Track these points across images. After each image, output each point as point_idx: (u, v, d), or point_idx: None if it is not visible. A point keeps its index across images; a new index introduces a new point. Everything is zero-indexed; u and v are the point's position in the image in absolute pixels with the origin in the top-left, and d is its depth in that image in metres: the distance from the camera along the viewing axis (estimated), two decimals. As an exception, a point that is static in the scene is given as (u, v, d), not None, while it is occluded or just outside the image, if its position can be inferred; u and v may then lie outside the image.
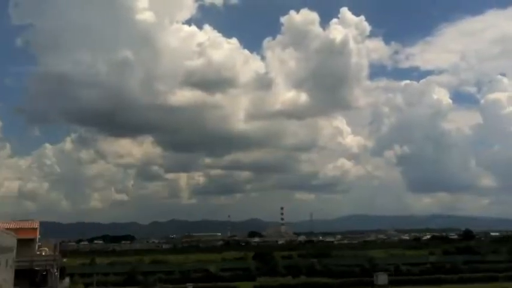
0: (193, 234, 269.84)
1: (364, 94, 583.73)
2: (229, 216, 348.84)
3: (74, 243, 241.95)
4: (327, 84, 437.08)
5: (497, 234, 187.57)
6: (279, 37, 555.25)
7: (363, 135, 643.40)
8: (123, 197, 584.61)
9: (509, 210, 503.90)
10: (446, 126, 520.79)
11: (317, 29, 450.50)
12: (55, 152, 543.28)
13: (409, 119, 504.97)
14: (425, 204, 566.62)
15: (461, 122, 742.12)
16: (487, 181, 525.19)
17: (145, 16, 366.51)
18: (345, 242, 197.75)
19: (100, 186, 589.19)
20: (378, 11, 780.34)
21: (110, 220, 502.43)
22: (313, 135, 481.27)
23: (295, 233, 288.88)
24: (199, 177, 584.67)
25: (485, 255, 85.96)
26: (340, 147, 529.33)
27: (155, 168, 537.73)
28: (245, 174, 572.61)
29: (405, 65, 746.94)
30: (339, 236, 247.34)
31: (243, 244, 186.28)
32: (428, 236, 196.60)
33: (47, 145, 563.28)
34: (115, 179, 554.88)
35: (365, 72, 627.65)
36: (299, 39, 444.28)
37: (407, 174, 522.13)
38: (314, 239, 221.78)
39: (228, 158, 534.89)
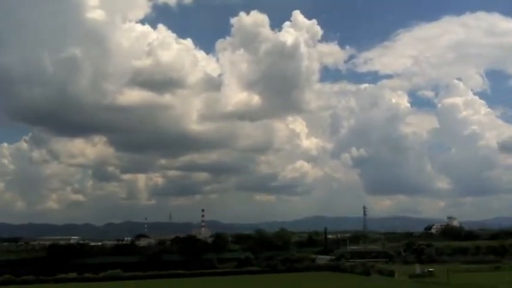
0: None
1: (319, 97, 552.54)
2: (146, 218, 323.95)
3: None
4: (279, 86, 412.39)
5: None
6: (229, 39, 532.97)
7: (320, 137, 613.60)
8: (79, 197, 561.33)
9: (464, 213, 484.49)
10: (404, 130, 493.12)
11: (267, 31, 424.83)
12: (11, 152, 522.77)
13: (367, 122, 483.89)
14: (385, 206, 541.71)
15: (419, 126, 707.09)
16: (443, 184, 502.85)
17: (96, 14, 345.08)
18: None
19: (54, 186, 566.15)
20: (333, 15, 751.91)
21: (64, 221, 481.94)
22: (268, 137, 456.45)
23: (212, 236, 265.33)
24: (157, 178, 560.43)
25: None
26: (298, 149, 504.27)
27: (111, 168, 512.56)
28: (203, 175, 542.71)
29: (363, 69, 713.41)
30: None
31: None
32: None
33: (5, 145, 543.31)
34: (69, 180, 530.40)
35: (318, 75, 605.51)
36: (249, 41, 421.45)
37: (367, 176, 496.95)
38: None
39: (184, 159, 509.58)
